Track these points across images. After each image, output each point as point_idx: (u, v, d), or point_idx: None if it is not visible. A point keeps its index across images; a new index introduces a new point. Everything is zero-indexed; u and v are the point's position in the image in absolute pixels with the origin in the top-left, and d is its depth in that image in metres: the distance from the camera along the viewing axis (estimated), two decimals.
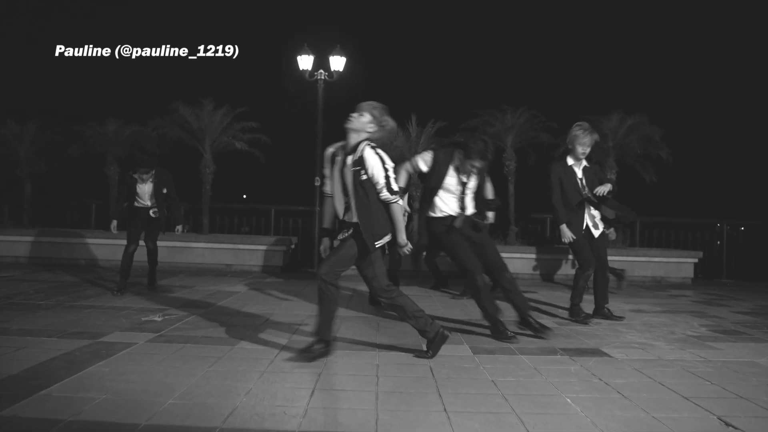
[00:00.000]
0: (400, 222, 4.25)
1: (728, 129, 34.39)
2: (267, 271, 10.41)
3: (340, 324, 5.66)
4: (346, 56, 12.04)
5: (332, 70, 12.01)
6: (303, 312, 6.27)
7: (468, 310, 6.71)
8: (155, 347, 4.43)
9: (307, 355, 4.20)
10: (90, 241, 10.68)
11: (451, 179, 5.14)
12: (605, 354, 4.68)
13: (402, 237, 4.26)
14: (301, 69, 11.99)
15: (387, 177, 4.12)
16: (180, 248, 10.42)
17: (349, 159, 4.14)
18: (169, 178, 7.36)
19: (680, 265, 10.90)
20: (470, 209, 5.26)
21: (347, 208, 4.23)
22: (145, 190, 7.23)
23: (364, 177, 4.09)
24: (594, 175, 6.10)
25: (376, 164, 4.08)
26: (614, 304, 7.49)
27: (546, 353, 4.67)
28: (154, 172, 7.23)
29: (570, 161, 6.04)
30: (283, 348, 4.56)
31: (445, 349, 4.63)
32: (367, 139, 4.19)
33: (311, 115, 11.83)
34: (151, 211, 7.26)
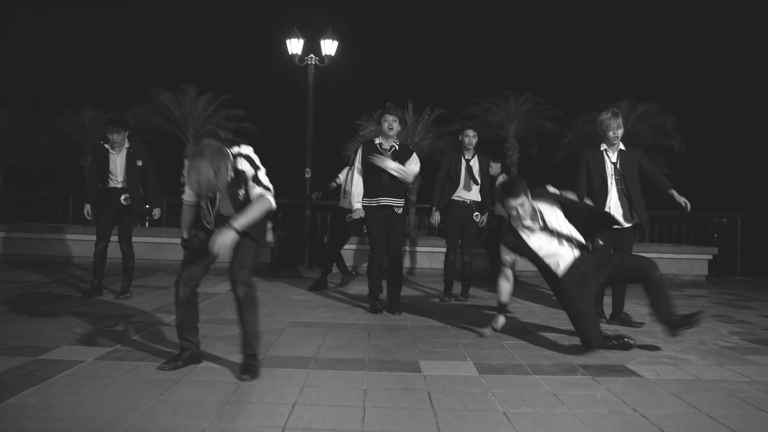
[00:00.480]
0: None
1: (744, 119, 33.32)
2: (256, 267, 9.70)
3: (327, 332, 4.98)
4: (338, 40, 11.29)
5: (323, 54, 11.26)
6: (284, 318, 5.58)
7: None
8: (102, 367, 3.73)
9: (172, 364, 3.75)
10: (66, 236, 9.98)
11: None
12: (633, 372, 4.00)
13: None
14: (290, 53, 11.23)
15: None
16: (160, 244, 9.72)
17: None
18: (145, 151, 6.57)
19: (693, 262, 10.26)
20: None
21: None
22: (117, 162, 6.35)
23: None
24: (633, 160, 5.76)
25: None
26: (629, 307, 6.83)
27: (564, 372, 3.98)
28: (126, 135, 6.42)
29: (602, 146, 5.82)
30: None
31: (446, 367, 3.97)
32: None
33: (301, 102, 11.10)
34: (122, 198, 6.37)
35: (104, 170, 6.39)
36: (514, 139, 10.93)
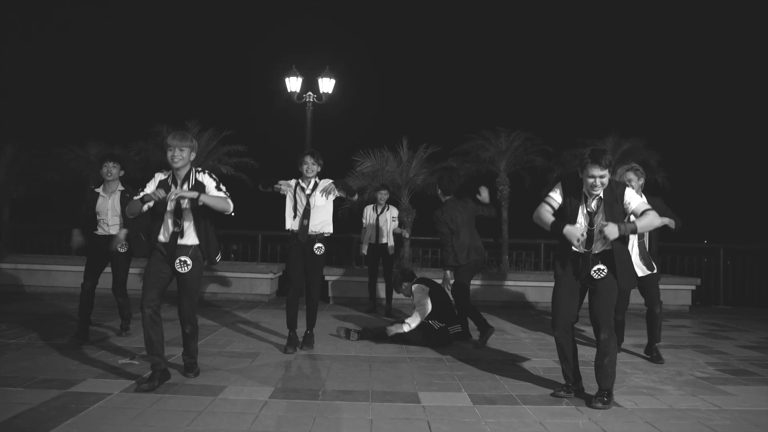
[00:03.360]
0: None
1: (726, 153, 34.33)
2: (254, 300, 10.05)
3: (331, 365, 5.34)
4: (335, 78, 11.78)
5: (321, 92, 11.75)
6: (291, 353, 5.93)
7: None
8: (130, 399, 4.09)
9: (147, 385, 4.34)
10: (72, 268, 10.28)
11: None
12: (614, 403, 4.38)
13: None
14: (289, 91, 11.71)
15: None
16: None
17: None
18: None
19: (677, 292, 10.64)
20: None
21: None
22: (108, 206, 6.06)
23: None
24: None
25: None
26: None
27: (550, 402, 4.36)
28: (120, 174, 6.16)
29: None
30: (270, 397, 4.23)
31: (443, 398, 4.34)
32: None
33: (300, 137, 11.54)
34: (118, 246, 6.01)
35: (93, 215, 6.13)
36: (505, 174, 11.37)
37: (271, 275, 10.25)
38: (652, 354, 6.08)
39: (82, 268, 10.01)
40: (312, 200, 5.89)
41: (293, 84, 11.73)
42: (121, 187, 6.23)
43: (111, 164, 6.18)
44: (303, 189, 5.93)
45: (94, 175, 11.02)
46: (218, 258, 4.76)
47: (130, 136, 11.31)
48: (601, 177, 4.15)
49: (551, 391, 4.64)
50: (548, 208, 4.43)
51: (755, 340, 7.46)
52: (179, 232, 4.53)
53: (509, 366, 5.57)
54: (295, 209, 5.96)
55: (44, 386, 4.31)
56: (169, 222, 4.54)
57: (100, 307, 7.49)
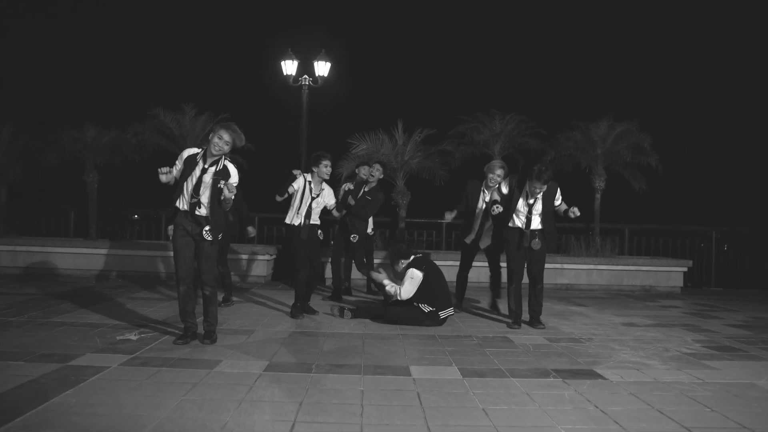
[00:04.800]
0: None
1: (719, 136, 34.34)
2: (251, 281, 10.16)
3: (324, 341, 5.45)
4: (331, 61, 11.82)
5: (317, 75, 11.79)
6: (285, 328, 6.04)
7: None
8: (128, 372, 4.19)
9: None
10: (69, 250, 10.38)
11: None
12: (599, 375, 4.50)
13: None
14: (285, 74, 11.75)
15: None
16: (164, 257, 10.15)
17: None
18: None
19: (669, 274, 10.78)
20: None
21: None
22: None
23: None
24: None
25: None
26: (605, 317, 7.36)
27: (538, 375, 4.48)
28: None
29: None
30: (265, 370, 4.34)
31: (434, 371, 4.46)
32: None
33: (295, 120, 11.60)
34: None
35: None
36: (500, 157, 11.42)
37: (267, 257, 10.36)
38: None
39: (80, 250, 10.24)
40: (315, 203, 6.65)
41: (289, 67, 11.77)
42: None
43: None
44: (311, 190, 6.65)
45: (91, 157, 11.07)
46: (219, 236, 5.23)
47: (127, 119, 11.33)
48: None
49: (539, 366, 4.77)
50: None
51: (743, 319, 7.59)
52: (197, 203, 5.03)
53: (500, 342, 5.69)
54: (298, 208, 6.62)
55: (44, 360, 4.41)
56: (188, 194, 5.02)
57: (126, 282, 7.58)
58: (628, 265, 10.71)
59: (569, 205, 6.36)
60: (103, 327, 5.76)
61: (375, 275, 6.69)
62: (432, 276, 6.49)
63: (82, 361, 4.43)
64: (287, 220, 6.71)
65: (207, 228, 5.04)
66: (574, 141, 11.30)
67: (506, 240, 6.50)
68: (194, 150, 5.21)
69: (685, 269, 10.89)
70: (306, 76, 11.62)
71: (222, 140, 5.03)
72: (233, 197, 5.08)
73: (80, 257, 10.36)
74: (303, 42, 12.02)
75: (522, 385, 4.20)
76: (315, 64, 11.79)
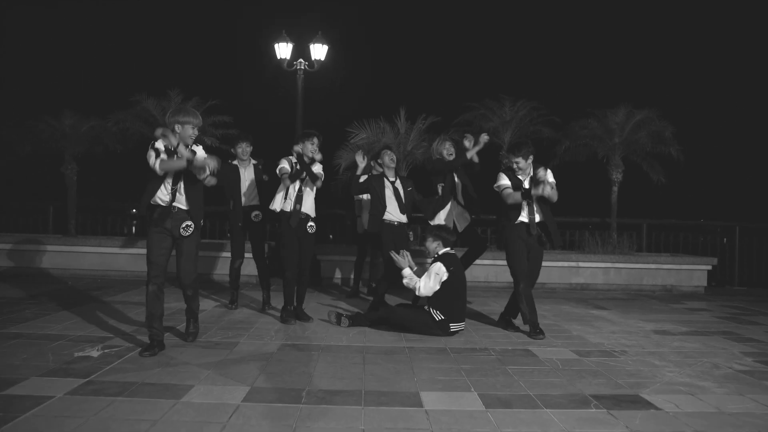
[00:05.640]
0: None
1: (744, 126, 32.75)
2: (241, 281, 9.35)
3: (318, 357, 4.66)
4: (328, 44, 11.00)
5: (313, 59, 10.97)
6: (273, 340, 5.25)
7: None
8: (73, 405, 3.40)
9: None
10: (46, 247, 9.59)
11: None
12: (650, 404, 3.72)
13: None
14: (279, 58, 10.93)
15: None
16: (137, 255, 9.32)
17: None
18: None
19: (692, 272, 10.00)
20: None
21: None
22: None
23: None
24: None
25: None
26: (632, 323, 6.60)
27: (576, 404, 3.69)
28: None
29: None
30: (244, 400, 3.56)
31: (450, 400, 3.68)
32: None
33: (290, 108, 10.78)
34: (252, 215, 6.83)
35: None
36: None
37: (249, 255, 9.54)
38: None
39: (57, 248, 9.45)
40: (305, 185, 5.99)
41: (283, 50, 10.95)
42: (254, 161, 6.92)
43: (245, 144, 6.83)
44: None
45: (69, 147, 10.24)
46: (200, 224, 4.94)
47: (107, 107, 10.47)
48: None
49: (575, 390, 3.99)
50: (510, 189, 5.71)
51: None
52: (175, 191, 4.67)
53: (522, 357, 4.91)
54: (287, 192, 6.01)
55: None
56: (168, 185, 4.66)
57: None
58: (648, 263, 9.92)
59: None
60: (62, 340, 4.97)
61: (398, 258, 5.89)
62: (457, 280, 5.69)
63: (22, 389, 3.64)
64: (277, 206, 6.06)
65: (187, 223, 4.72)
66: (589, 129, 10.46)
67: (511, 237, 5.77)
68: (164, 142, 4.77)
69: (710, 267, 10.11)
70: (301, 60, 10.80)
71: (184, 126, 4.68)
72: (205, 165, 4.61)
73: (57, 255, 9.58)
74: (298, 23, 11.23)
75: (560, 419, 3.41)
76: (311, 47, 10.97)
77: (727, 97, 34.44)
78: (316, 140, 6.03)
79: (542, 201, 5.73)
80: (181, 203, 4.69)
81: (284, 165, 5.96)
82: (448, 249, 5.85)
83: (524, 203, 5.70)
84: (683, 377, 4.40)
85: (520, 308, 5.80)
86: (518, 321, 6.05)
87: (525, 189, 5.70)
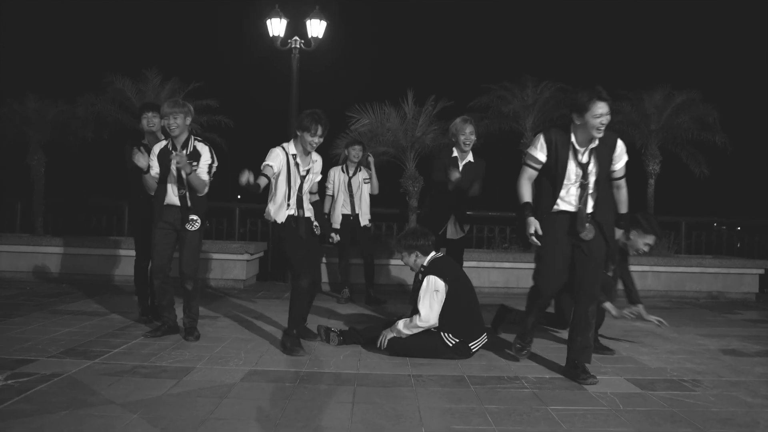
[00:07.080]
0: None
1: None
2: (225, 287, 8.19)
3: (292, 393, 3.45)
4: (326, 20, 9.82)
5: (310, 36, 9.79)
6: (238, 366, 4.04)
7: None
8: None
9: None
10: (7, 248, 8.46)
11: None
12: None
13: None
14: (271, 35, 9.75)
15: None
16: (124, 257, 8.16)
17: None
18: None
19: (742, 277, 8.75)
20: None
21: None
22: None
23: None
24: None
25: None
26: (690, 338, 5.41)
27: None
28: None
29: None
30: None
31: None
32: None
33: (284, 91, 9.61)
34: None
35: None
36: (532, 133, 9.41)
37: (247, 256, 8.37)
38: None
39: (19, 249, 8.35)
40: (307, 184, 4.80)
41: (276, 27, 9.76)
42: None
43: (151, 114, 5.27)
44: (298, 165, 4.71)
45: (35, 135, 9.11)
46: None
47: (77, 89, 9.36)
48: (608, 114, 3.79)
49: None
50: (531, 173, 4.04)
51: None
52: (185, 194, 4.72)
53: (565, 391, 3.69)
54: (287, 195, 4.70)
55: None
56: (174, 186, 4.73)
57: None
58: (691, 266, 8.67)
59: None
60: None
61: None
62: (460, 288, 4.45)
63: None
64: (274, 217, 4.66)
65: (192, 217, 4.76)
66: (623, 114, 9.23)
67: (546, 232, 3.98)
68: (163, 143, 4.81)
69: (762, 271, 8.86)
70: (297, 37, 9.60)
71: (170, 116, 4.63)
72: (199, 173, 4.67)
73: (20, 257, 8.45)
74: None
75: None
76: (307, 23, 9.78)
77: None
78: (320, 128, 4.52)
79: (605, 188, 4.09)
80: (186, 200, 4.72)
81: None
82: (433, 254, 4.60)
83: (575, 183, 3.97)
84: None
85: (506, 317, 5.18)
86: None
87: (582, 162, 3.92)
